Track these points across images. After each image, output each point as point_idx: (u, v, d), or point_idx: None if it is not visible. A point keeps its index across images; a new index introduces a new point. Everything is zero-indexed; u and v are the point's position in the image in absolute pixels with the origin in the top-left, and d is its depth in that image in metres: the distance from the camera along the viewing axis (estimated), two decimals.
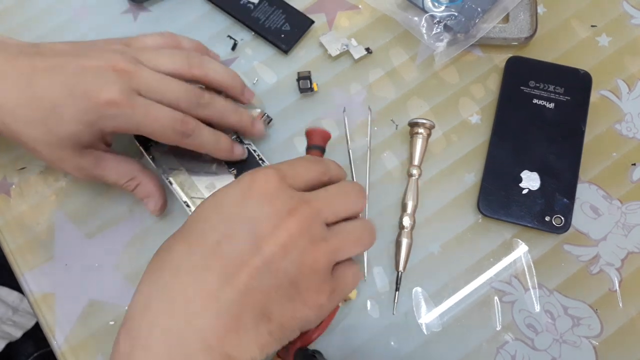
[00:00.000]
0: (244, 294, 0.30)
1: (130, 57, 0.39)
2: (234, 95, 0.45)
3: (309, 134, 0.45)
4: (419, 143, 0.47)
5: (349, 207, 0.35)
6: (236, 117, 0.44)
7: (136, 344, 0.29)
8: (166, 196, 0.45)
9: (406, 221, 0.46)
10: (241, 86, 0.46)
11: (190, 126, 0.40)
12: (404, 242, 0.45)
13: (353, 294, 0.44)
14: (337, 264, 0.34)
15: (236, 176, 0.45)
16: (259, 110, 0.48)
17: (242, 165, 0.46)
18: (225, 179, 0.45)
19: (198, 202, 0.44)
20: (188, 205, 0.44)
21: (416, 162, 0.47)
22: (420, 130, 0.47)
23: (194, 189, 0.44)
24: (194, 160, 0.45)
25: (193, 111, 0.41)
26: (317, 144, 0.44)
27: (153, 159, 0.45)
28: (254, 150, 0.46)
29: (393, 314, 0.45)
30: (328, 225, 0.33)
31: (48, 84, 0.37)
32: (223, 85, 0.44)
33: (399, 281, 0.45)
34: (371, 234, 0.35)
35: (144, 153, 0.46)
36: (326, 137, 0.45)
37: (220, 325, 0.29)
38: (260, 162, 0.46)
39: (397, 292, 0.45)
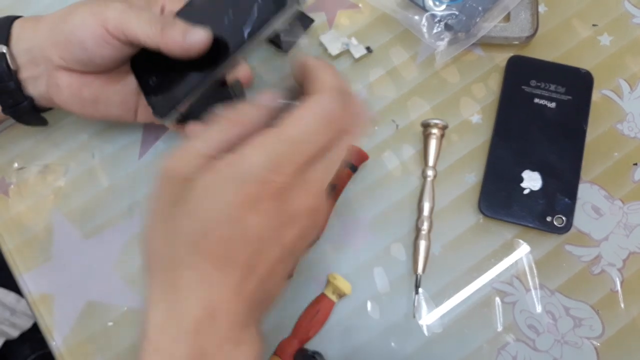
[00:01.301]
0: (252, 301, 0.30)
1: None
2: None
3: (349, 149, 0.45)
4: (433, 143, 0.47)
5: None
6: (156, 33, 0.37)
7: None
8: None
9: (423, 224, 0.45)
10: None
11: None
12: (422, 244, 0.45)
13: (348, 290, 0.43)
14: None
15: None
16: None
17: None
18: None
19: None
20: None
21: (431, 163, 0.47)
22: (434, 130, 0.47)
23: None
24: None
25: None
26: (352, 162, 0.45)
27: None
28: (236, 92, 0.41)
29: (414, 317, 0.44)
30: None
31: None
32: None
33: (418, 284, 0.44)
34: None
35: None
36: (363, 158, 0.46)
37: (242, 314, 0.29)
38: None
39: (416, 296, 0.44)
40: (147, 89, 0.41)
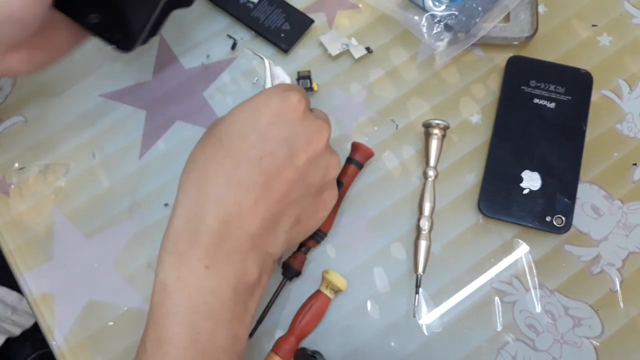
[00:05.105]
0: (282, 203, 0.36)
1: None
2: None
3: (354, 146, 0.47)
4: (434, 144, 0.47)
5: None
6: None
7: (195, 243, 0.34)
8: None
9: (424, 223, 0.45)
10: None
11: None
12: (423, 244, 0.45)
13: (343, 285, 0.44)
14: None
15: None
16: None
17: None
18: None
19: None
20: None
21: (432, 163, 0.47)
22: (436, 131, 0.47)
23: None
24: None
25: None
26: (358, 159, 0.46)
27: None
28: None
29: (414, 317, 0.44)
30: None
31: None
32: None
33: (418, 283, 0.44)
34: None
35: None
36: (368, 154, 0.47)
37: (264, 229, 0.36)
38: None
39: (417, 295, 0.44)
40: (95, 27, 0.37)
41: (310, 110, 0.40)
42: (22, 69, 0.39)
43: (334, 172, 0.40)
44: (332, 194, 0.41)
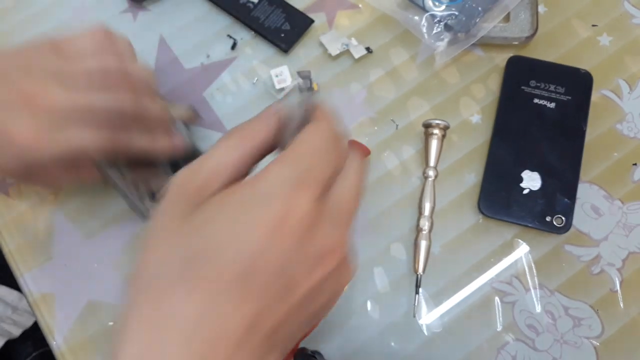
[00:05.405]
0: (270, 342, 0.26)
1: (47, 81, 0.37)
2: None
3: (350, 145, 0.46)
4: (434, 144, 0.47)
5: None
6: (153, 145, 0.41)
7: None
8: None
9: (424, 223, 0.45)
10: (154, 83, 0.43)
11: (121, 141, 0.39)
12: (423, 244, 0.45)
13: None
14: None
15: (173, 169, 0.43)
16: (186, 105, 0.46)
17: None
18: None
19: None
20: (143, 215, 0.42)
21: (432, 163, 0.47)
22: (435, 131, 0.47)
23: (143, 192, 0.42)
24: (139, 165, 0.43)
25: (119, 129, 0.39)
26: None
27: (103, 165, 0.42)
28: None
29: (414, 316, 0.44)
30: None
31: None
32: (144, 88, 0.41)
33: (418, 283, 0.44)
34: None
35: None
36: (365, 153, 0.46)
37: None
38: None
39: (417, 295, 0.44)
40: (123, 185, 0.42)
41: (328, 197, 0.27)
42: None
43: (344, 286, 0.29)
44: (343, 279, 0.29)
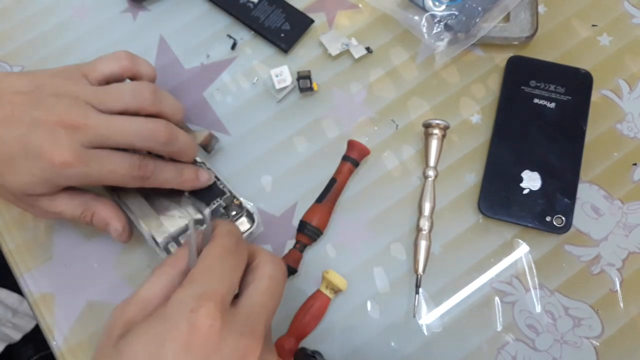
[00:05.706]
0: None
1: (81, 105, 0.38)
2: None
3: (350, 144, 0.47)
4: (434, 144, 0.47)
5: None
6: (179, 178, 0.42)
7: None
8: (126, 221, 0.43)
9: (424, 223, 0.45)
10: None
11: (149, 169, 0.40)
12: (423, 244, 0.45)
13: (343, 285, 0.43)
14: None
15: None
16: (206, 131, 0.46)
17: (204, 192, 0.44)
18: (186, 208, 0.44)
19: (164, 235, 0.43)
20: (157, 243, 0.42)
21: (432, 163, 0.47)
22: (435, 131, 0.47)
23: (157, 224, 0.43)
24: (158, 194, 0.44)
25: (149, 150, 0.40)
26: (353, 157, 0.46)
27: (118, 197, 0.44)
28: (216, 178, 0.45)
29: (414, 317, 0.44)
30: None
31: (4, 135, 0.37)
32: (174, 120, 0.42)
33: (418, 283, 0.44)
34: None
35: (109, 193, 0.44)
36: (364, 153, 0.47)
37: None
38: (222, 189, 0.44)
39: (417, 295, 0.44)
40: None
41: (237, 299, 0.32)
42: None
43: None
44: None
